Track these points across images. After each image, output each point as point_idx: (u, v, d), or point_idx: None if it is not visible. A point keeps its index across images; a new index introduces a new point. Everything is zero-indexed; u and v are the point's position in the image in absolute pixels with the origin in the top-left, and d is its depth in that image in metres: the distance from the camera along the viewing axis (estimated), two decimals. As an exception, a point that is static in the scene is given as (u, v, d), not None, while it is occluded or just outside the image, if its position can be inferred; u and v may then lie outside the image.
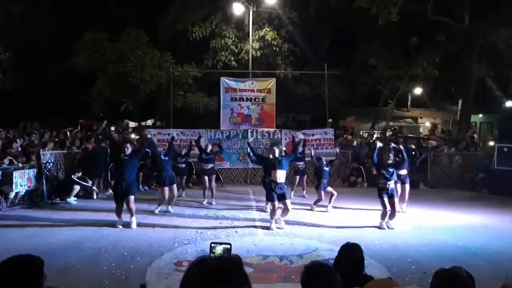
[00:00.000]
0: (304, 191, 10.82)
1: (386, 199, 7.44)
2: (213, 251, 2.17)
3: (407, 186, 9.02)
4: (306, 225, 7.96)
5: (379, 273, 5.05)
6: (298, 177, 10.80)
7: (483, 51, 17.08)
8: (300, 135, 11.89)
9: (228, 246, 2.15)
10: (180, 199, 10.06)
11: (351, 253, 3.13)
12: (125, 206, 7.57)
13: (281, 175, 7.50)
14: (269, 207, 8.46)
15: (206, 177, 9.75)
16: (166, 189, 8.73)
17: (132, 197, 7.60)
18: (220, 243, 2.18)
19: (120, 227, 7.46)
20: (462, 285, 2.39)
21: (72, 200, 9.87)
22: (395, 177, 7.63)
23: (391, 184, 7.47)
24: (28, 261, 2.09)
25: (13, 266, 2.02)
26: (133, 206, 7.57)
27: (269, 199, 7.67)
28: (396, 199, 7.59)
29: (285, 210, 7.62)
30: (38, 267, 2.09)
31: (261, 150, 12.81)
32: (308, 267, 2.46)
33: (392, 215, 7.53)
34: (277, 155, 7.58)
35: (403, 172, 8.79)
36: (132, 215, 7.54)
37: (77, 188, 10.07)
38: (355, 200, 10.08)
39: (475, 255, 6.07)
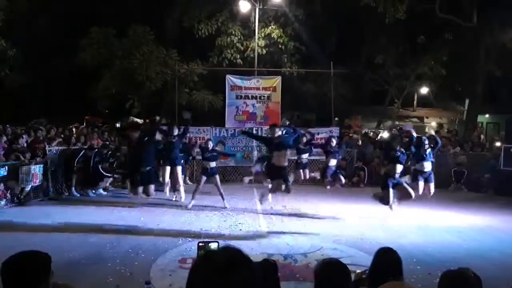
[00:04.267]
0: (308, 176, 10.39)
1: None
2: (204, 249, 2.14)
3: (432, 185, 8.30)
4: (310, 223, 7.95)
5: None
6: (301, 171, 10.14)
7: (491, 50, 16.92)
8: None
9: (216, 243, 2.13)
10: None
11: (387, 257, 3.00)
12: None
13: (281, 158, 7.39)
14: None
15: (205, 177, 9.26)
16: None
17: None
18: (208, 242, 2.16)
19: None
20: (470, 287, 2.37)
21: (101, 191, 10.51)
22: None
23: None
24: (36, 258, 2.08)
25: (21, 262, 2.01)
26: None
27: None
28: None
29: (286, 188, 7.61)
30: (46, 264, 2.09)
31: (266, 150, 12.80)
32: (325, 261, 2.45)
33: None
34: (276, 135, 7.48)
35: (427, 167, 8.20)
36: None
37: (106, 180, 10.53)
38: (360, 199, 10.01)
39: (481, 256, 6.01)
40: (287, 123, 9.65)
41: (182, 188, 9.18)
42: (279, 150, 7.45)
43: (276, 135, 7.46)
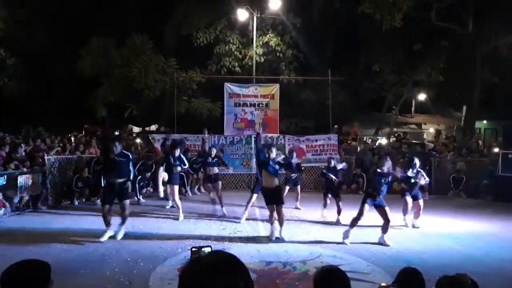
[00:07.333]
0: (298, 202, 10.05)
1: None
2: (198, 255, 2.14)
3: (421, 201, 8.34)
4: (309, 231, 7.95)
5: (383, 280, 5.02)
6: (287, 187, 9.87)
7: (487, 57, 17.07)
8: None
9: (209, 248, 2.14)
10: (182, 204, 10.04)
11: (411, 278, 2.94)
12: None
13: (272, 179, 7.25)
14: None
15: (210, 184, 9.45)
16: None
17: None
18: (201, 247, 2.17)
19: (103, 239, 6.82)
20: (466, 293, 2.38)
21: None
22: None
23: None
24: (36, 267, 2.08)
25: (21, 272, 2.01)
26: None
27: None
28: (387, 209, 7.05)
29: (280, 218, 7.28)
30: (46, 273, 2.08)
31: (264, 156, 12.79)
32: (324, 269, 2.46)
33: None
34: (272, 156, 7.27)
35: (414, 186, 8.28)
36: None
37: None
38: (358, 206, 10.00)
39: (479, 262, 6.02)
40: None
41: (180, 206, 8.72)
42: (269, 173, 7.26)
43: (272, 156, 7.26)
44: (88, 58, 16.47)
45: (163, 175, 8.81)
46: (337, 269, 2.46)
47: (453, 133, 20.83)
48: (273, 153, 7.35)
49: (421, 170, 8.40)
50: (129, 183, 7.15)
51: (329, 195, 8.94)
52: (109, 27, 17.50)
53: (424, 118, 25.09)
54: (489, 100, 20.17)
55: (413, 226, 8.27)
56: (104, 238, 6.85)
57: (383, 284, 3.25)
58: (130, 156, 7.28)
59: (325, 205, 8.96)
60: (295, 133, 16.48)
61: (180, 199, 9.10)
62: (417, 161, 8.26)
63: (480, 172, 12.66)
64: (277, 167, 7.29)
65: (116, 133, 19.11)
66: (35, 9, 17.91)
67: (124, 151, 7.36)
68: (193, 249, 2.17)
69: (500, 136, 16.81)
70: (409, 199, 8.23)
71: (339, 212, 8.69)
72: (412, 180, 8.12)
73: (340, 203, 8.76)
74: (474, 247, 6.93)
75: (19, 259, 2.09)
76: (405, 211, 8.33)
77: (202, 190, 9.37)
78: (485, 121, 22.62)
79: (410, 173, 8.16)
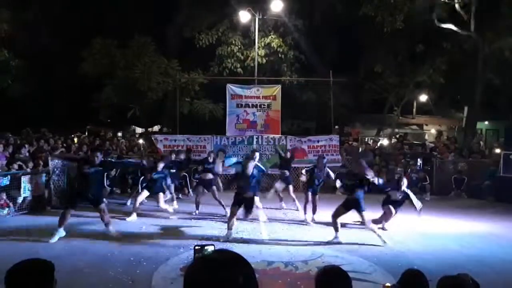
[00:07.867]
0: (296, 201, 9.84)
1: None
2: (201, 252, 2.16)
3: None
4: (311, 231, 7.97)
5: (384, 280, 5.05)
6: (279, 185, 9.95)
7: (489, 58, 17.03)
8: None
9: (213, 246, 2.16)
10: (185, 205, 10.11)
11: (414, 281, 2.95)
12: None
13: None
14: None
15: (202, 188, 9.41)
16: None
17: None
18: (205, 245, 2.19)
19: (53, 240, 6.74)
20: (466, 292, 2.41)
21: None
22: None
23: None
24: (40, 266, 2.10)
25: (26, 271, 2.03)
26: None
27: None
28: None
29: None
30: (50, 272, 2.10)
31: (267, 157, 12.82)
32: (326, 268, 2.48)
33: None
34: (249, 171, 7.27)
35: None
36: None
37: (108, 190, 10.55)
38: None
39: (481, 262, 6.04)
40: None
41: (169, 208, 8.94)
42: (244, 190, 7.35)
43: (251, 164, 7.36)
44: (91, 59, 16.53)
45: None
46: (339, 269, 2.49)
47: (455, 134, 20.82)
48: (257, 157, 7.62)
49: (408, 191, 8.01)
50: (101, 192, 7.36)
51: (310, 192, 8.71)
52: (112, 29, 17.57)
53: (425, 119, 25.07)
54: (491, 101, 20.10)
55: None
56: (54, 239, 6.76)
57: (387, 284, 3.27)
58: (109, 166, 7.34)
59: (307, 201, 8.67)
60: (297, 134, 16.52)
61: (183, 199, 9.17)
62: (405, 181, 7.97)
63: (481, 173, 12.65)
64: (255, 171, 7.42)
65: (119, 133, 19.18)
66: (39, 11, 17.99)
67: (104, 160, 7.33)
68: (196, 247, 2.20)
69: (502, 137, 16.80)
70: (392, 209, 7.93)
71: (305, 209, 8.73)
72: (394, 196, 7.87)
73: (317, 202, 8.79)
74: (475, 247, 6.94)
75: (23, 259, 2.11)
76: (386, 219, 7.99)
77: (205, 191, 9.38)
78: (486, 122, 22.58)
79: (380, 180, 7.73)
